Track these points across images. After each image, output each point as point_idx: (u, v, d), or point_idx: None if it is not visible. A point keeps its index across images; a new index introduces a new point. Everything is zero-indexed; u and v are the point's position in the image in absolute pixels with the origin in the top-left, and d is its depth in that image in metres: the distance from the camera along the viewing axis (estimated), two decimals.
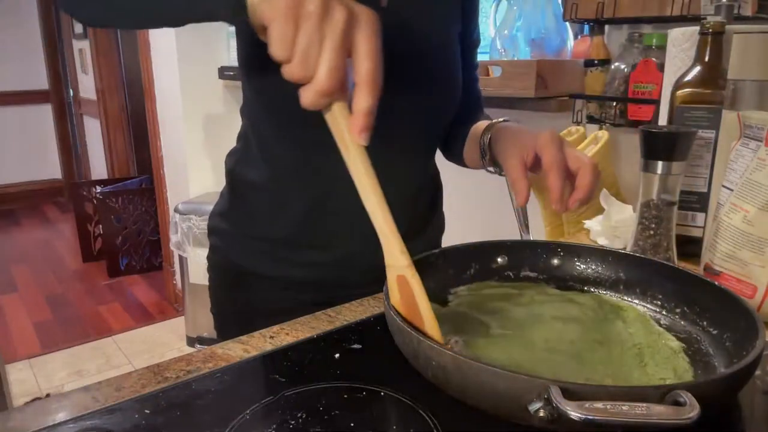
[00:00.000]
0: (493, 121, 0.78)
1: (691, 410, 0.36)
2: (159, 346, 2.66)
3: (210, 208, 0.89)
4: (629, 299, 0.65)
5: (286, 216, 0.78)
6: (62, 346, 2.65)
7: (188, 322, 2.62)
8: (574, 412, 0.36)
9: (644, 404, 0.37)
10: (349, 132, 0.45)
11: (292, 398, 0.49)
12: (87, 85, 4.18)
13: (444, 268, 0.66)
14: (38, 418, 0.47)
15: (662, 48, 1.09)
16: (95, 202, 3.43)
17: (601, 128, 1.28)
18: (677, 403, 0.38)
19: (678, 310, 0.61)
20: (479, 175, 0.90)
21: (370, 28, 0.44)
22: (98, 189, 3.42)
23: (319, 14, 0.42)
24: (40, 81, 4.83)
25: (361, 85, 0.44)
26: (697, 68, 0.83)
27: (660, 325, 0.60)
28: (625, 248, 0.86)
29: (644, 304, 0.63)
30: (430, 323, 0.48)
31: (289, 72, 0.44)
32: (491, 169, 0.79)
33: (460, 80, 0.80)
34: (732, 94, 0.77)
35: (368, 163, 0.47)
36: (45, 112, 4.96)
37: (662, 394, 0.39)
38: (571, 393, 0.38)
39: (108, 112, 3.90)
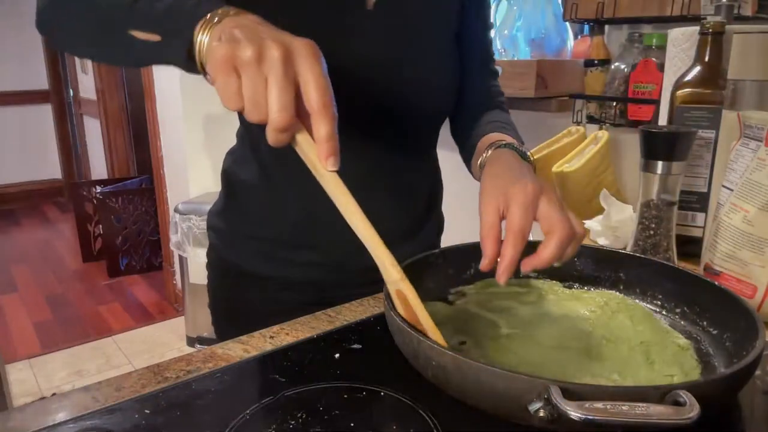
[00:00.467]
0: (495, 140, 0.70)
1: (691, 410, 0.36)
2: (159, 346, 2.66)
3: (209, 208, 0.89)
4: (632, 298, 0.65)
5: (280, 216, 0.78)
6: (62, 346, 2.65)
7: (188, 322, 2.62)
8: (574, 412, 0.36)
9: (644, 404, 0.37)
10: (317, 161, 0.46)
11: (292, 398, 0.49)
12: (87, 85, 4.18)
13: (444, 268, 0.66)
14: (38, 418, 0.47)
15: (662, 48, 1.09)
16: (95, 202, 3.43)
17: (601, 128, 1.28)
18: (677, 403, 0.38)
19: (678, 310, 0.61)
20: None
21: (310, 58, 0.44)
22: (98, 189, 3.42)
23: (255, 59, 0.43)
24: (40, 81, 4.83)
25: (314, 115, 0.44)
26: (697, 68, 0.83)
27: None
28: (625, 248, 0.86)
29: (644, 304, 0.64)
30: (431, 331, 0.48)
31: (247, 117, 0.45)
32: None
33: (453, 81, 0.80)
34: (732, 94, 0.77)
35: (343, 186, 0.48)
36: (45, 112, 4.95)
37: (662, 394, 0.39)
38: (571, 393, 0.38)
39: (108, 112, 3.90)
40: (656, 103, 1.12)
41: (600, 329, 0.58)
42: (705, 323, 0.57)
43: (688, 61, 0.90)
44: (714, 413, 0.39)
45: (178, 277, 2.81)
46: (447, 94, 0.80)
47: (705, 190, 0.85)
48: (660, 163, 0.75)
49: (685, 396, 0.37)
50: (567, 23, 1.41)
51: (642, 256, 0.68)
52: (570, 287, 0.67)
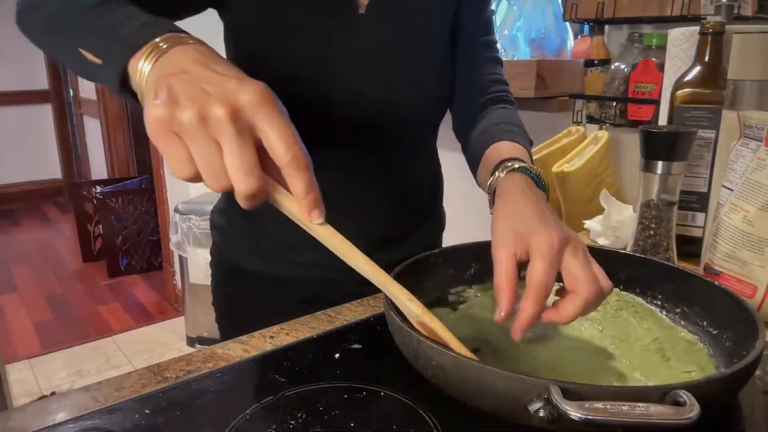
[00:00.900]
0: (505, 161, 0.63)
1: (691, 410, 0.36)
2: (159, 346, 2.66)
3: (210, 207, 0.90)
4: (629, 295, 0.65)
5: (280, 217, 0.78)
6: (62, 346, 2.65)
7: (188, 322, 2.62)
8: (574, 412, 0.36)
9: (644, 404, 0.37)
10: (300, 216, 0.42)
11: (292, 398, 0.49)
12: (87, 85, 4.18)
13: (444, 268, 0.66)
14: (38, 418, 0.47)
15: (662, 48, 1.09)
16: (95, 202, 3.43)
17: (601, 128, 1.28)
18: (677, 403, 0.38)
19: (678, 310, 0.61)
20: None
21: (264, 106, 0.38)
22: (98, 189, 3.42)
23: (199, 121, 0.37)
24: (40, 81, 4.83)
25: (286, 169, 0.39)
26: (697, 68, 0.83)
27: None
28: (625, 248, 0.86)
29: (644, 303, 0.64)
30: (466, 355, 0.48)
31: (207, 186, 0.39)
32: None
33: (448, 81, 0.79)
34: (732, 94, 0.77)
35: (336, 234, 0.44)
36: (45, 112, 4.96)
37: (662, 394, 0.39)
38: (571, 393, 0.38)
39: (108, 112, 3.90)
40: (656, 103, 1.12)
41: (609, 329, 0.58)
42: (705, 323, 0.58)
43: (688, 61, 0.90)
44: (714, 413, 0.39)
45: (178, 277, 2.81)
46: (442, 93, 0.79)
47: (705, 190, 0.85)
48: (660, 163, 0.75)
49: (685, 396, 0.37)
50: (567, 23, 1.41)
51: (642, 256, 0.68)
52: None
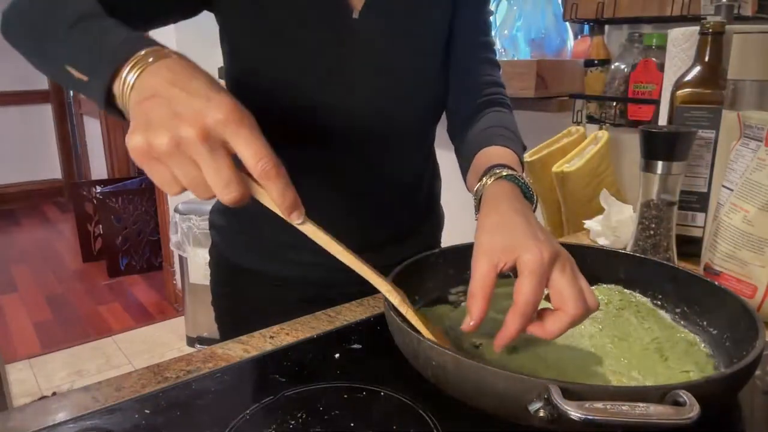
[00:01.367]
0: (494, 168, 0.62)
1: (691, 410, 0.36)
2: (159, 346, 2.66)
3: (210, 207, 0.89)
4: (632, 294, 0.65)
5: (279, 218, 0.78)
6: (62, 346, 2.65)
7: (188, 322, 2.62)
8: (574, 412, 0.36)
9: (644, 404, 0.37)
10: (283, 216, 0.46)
11: (292, 398, 0.49)
12: None
13: (444, 268, 0.66)
14: (38, 418, 0.47)
15: (662, 48, 1.09)
16: (95, 202, 3.43)
17: (601, 128, 1.28)
18: (677, 403, 0.38)
19: (678, 310, 0.61)
20: None
21: (233, 123, 0.41)
22: (98, 189, 3.42)
23: (173, 146, 0.40)
24: (40, 81, 4.83)
25: (260, 178, 0.42)
26: (697, 68, 0.83)
27: None
28: (625, 248, 0.86)
29: (647, 303, 0.64)
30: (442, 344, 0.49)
31: (197, 197, 0.43)
32: None
33: (443, 86, 0.79)
34: (732, 94, 0.77)
35: (319, 230, 0.48)
36: (45, 112, 4.96)
37: (662, 394, 0.39)
38: (571, 393, 0.38)
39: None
40: (656, 103, 1.12)
41: (609, 328, 0.58)
42: (705, 323, 0.58)
43: (688, 61, 0.90)
44: (714, 413, 0.39)
45: (178, 277, 2.81)
46: (437, 99, 0.79)
47: (705, 190, 0.85)
48: (660, 163, 0.75)
49: (685, 396, 0.37)
50: (567, 23, 1.41)
51: (642, 256, 0.68)
52: None
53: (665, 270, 0.63)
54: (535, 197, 0.61)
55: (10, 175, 4.90)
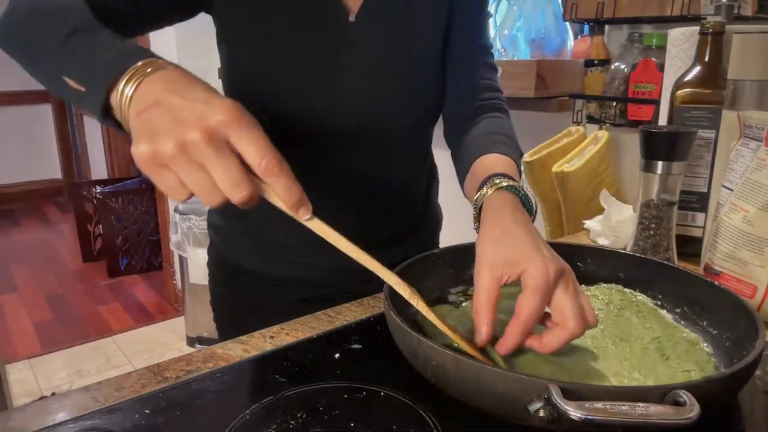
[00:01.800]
0: (493, 177, 0.62)
1: (691, 410, 0.36)
2: (159, 346, 2.66)
3: (208, 207, 0.89)
4: (634, 293, 0.65)
5: (278, 219, 0.78)
6: (62, 346, 2.64)
7: (188, 322, 2.62)
8: (574, 412, 0.36)
9: (644, 404, 0.37)
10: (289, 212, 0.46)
11: (292, 398, 0.49)
12: None
13: (444, 268, 0.66)
14: (38, 418, 0.47)
15: (662, 48, 1.09)
16: (95, 202, 3.43)
17: (601, 128, 1.28)
18: (677, 403, 0.38)
19: (678, 310, 0.61)
20: None
21: (235, 124, 0.41)
22: (98, 189, 3.42)
23: (179, 151, 0.40)
24: None
25: (264, 178, 0.43)
26: (697, 68, 0.83)
27: None
28: (625, 248, 0.86)
29: (648, 302, 0.64)
30: (454, 337, 0.50)
31: (205, 204, 0.43)
32: None
33: (440, 88, 0.78)
34: (732, 94, 0.77)
35: (325, 225, 0.47)
36: (45, 112, 4.95)
37: (662, 394, 0.39)
38: (570, 393, 0.38)
39: None
40: (656, 103, 1.12)
41: (610, 328, 0.58)
42: (705, 323, 0.58)
43: (688, 61, 0.90)
44: (714, 413, 0.39)
45: (178, 277, 2.81)
46: (433, 102, 0.79)
47: (705, 190, 0.85)
48: (660, 163, 0.75)
49: (685, 396, 0.37)
50: (567, 23, 1.41)
51: (642, 256, 0.68)
52: None
53: (665, 270, 0.63)
54: (534, 208, 0.61)
55: (10, 175, 4.89)
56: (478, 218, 0.61)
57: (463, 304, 0.64)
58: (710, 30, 0.81)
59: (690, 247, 0.85)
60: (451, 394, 0.46)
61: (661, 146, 0.76)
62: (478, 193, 0.62)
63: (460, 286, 0.66)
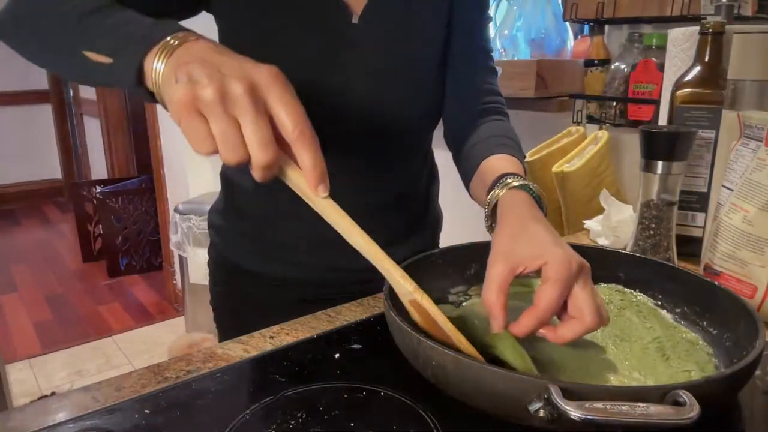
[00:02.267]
0: (505, 177, 0.62)
1: (691, 410, 0.36)
2: (159, 346, 2.66)
3: (209, 207, 0.89)
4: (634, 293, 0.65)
5: (278, 219, 0.78)
6: (62, 346, 2.65)
7: (188, 322, 2.62)
8: (574, 412, 0.36)
9: (644, 404, 0.37)
10: (307, 189, 0.45)
11: (292, 398, 0.49)
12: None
13: (444, 268, 0.66)
14: (38, 418, 0.47)
15: (662, 48, 1.09)
16: (95, 202, 3.43)
17: (601, 128, 1.28)
18: (677, 403, 0.38)
19: (678, 310, 0.61)
20: None
21: (276, 85, 0.42)
22: (98, 189, 3.42)
23: (219, 98, 0.40)
24: (40, 81, 4.83)
25: (294, 144, 0.43)
26: (697, 68, 0.83)
27: None
28: (625, 248, 0.86)
29: (648, 302, 0.64)
30: (456, 337, 0.48)
31: (224, 160, 0.42)
32: None
33: (441, 90, 0.78)
34: (732, 94, 0.77)
35: (338, 209, 0.47)
36: (45, 112, 4.96)
37: (662, 394, 0.39)
38: (570, 393, 0.38)
39: (108, 112, 3.90)
40: (656, 103, 1.12)
41: (611, 327, 0.58)
42: (705, 323, 0.58)
43: (688, 61, 0.90)
44: (714, 413, 0.39)
45: (178, 277, 2.81)
46: (435, 101, 0.79)
47: (705, 190, 0.85)
48: (660, 163, 0.75)
49: (685, 396, 0.37)
50: (567, 23, 1.41)
51: (642, 256, 0.68)
52: None
53: (665, 270, 0.63)
54: (546, 207, 0.61)
55: (10, 175, 4.90)
56: (491, 217, 0.62)
57: (464, 303, 0.64)
58: (710, 30, 0.81)
59: (690, 247, 0.85)
60: (451, 394, 0.46)
61: (661, 146, 0.76)
62: (491, 193, 0.62)
63: (460, 286, 0.66)
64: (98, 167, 4.40)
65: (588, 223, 0.99)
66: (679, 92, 0.84)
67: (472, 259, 0.67)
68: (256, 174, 0.43)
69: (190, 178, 2.66)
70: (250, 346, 0.60)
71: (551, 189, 1.23)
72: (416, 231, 0.86)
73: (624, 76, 1.25)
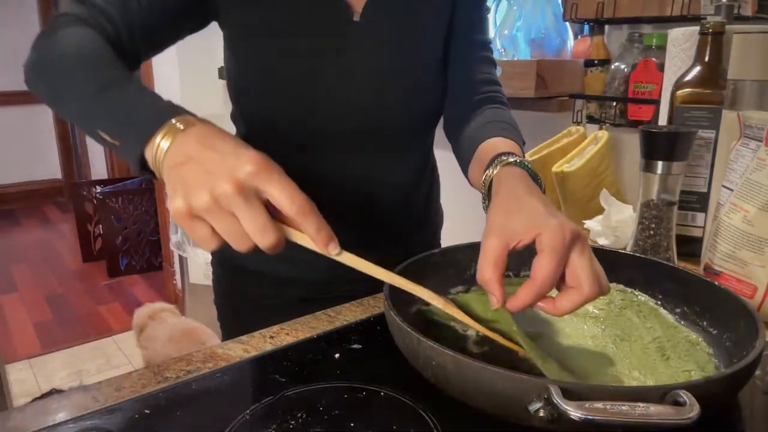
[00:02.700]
0: (501, 156, 0.62)
1: (691, 410, 0.36)
2: None
3: None
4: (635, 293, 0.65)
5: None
6: (62, 346, 2.64)
7: None
8: (574, 412, 0.36)
9: (644, 404, 0.37)
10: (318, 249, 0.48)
11: (292, 398, 0.49)
12: None
13: (444, 268, 0.66)
14: (38, 418, 0.47)
15: (662, 48, 1.09)
16: (95, 202, 3.43)
17: (601, 128, 1.28)
18: (677, 403, 0.38)
19: (678, 310, 0.61)
20: None
21: (263, 173, 0.44)
22: (98, 189, 3.42)
23: (213, 202, 0.43)
24: None
25: (296, 219, 0.45)
26: (697, 68, 0.83)
27: None
28: (625, 248, 0.86)
29: (649, 302, 0.64)
30: (493, 335, 0.51)
31: (236, 249, 0.45)
32: None
33: (442, 87, 0.79)
34: (732, 94, 0.77)
35: (354, 257, 0.49)
36: (45, 112, 4.95)
37: (662, 394, 0.39)
38: (570, 393, 0.38)
39: None
40: (656, 103, 1.12)
41: (611, 327, 0.58)
42: (705, 323, 0.57)
43: (688, 61, 0.90)
44: (714, 413, 0.39)
45: (178, 277, 2.81)
46: (436, 99, 0.79)
47: (705, 190, 0.85)
48: (660, 163, 0.75)
49: (685, 396, 0.37)
50: (567, 23, 1.41)
51: (642, 256, 0.68)
52: None
53: (665, 270, 0.63)
54: (543, 184, 0.61)
55: (10, 175, 4.89)
56: (487, 197, 0.61)
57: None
58: (710, 30, 0.81)
59: (690, 247, 0.85)
60: (451, 394, 0.46)
61: (661, 146, 0.76)
62: (486, 173, 0.62)
63: (461, 286, 0.66)
64: (98, 167, 4.40)
65: (588, 223, 0.99)
66: (679, 92, 0.84)
67: (472, 259, 0.66)
68: (267, 252, 0.45)
69: None
70: (250, 346, 0.60)
71: (551, 189, 1.23)
72: (417, 230, 0.86)
73: (624, 76, 1.25)
